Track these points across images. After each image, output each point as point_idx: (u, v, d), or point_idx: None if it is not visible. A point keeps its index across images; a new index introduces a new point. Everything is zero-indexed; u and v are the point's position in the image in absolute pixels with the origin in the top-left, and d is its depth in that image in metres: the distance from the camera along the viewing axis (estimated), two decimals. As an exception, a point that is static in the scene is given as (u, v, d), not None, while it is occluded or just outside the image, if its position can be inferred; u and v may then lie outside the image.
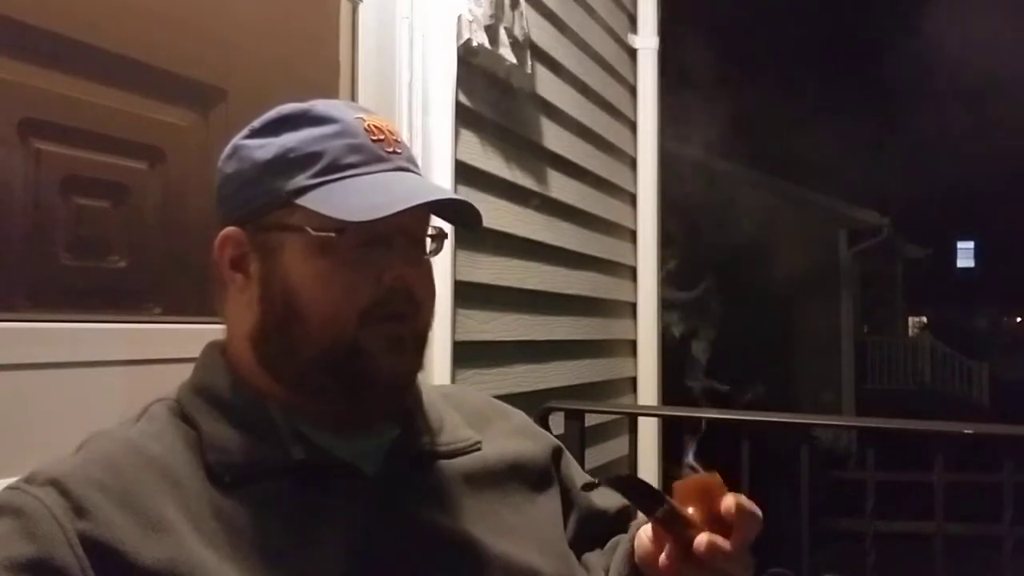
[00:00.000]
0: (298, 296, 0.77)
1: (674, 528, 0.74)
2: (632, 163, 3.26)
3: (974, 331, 20.64)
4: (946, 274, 24.97)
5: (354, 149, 0.79)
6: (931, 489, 2.77)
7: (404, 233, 0.80)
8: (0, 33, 1.14)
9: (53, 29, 1.20)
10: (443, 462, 0.85)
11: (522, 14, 2.19)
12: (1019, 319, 23.96)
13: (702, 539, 0.73)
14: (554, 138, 2.55)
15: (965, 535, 3.67)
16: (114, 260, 1.29)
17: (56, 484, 0.67)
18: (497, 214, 2.20)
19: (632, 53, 3.26)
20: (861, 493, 2.94)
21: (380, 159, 0.80)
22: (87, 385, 1.20)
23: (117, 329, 1.27)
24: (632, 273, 3.24)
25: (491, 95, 2.16)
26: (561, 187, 2.61)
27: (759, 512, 0.76)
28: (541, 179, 2.47)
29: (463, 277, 2.00)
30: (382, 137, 0.81)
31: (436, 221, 0.86)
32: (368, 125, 0.80)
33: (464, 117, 2.01)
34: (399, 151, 0.81)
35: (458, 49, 1.95)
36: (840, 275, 11.38)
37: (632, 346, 3.23)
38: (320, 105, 0.82)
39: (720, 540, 0.73)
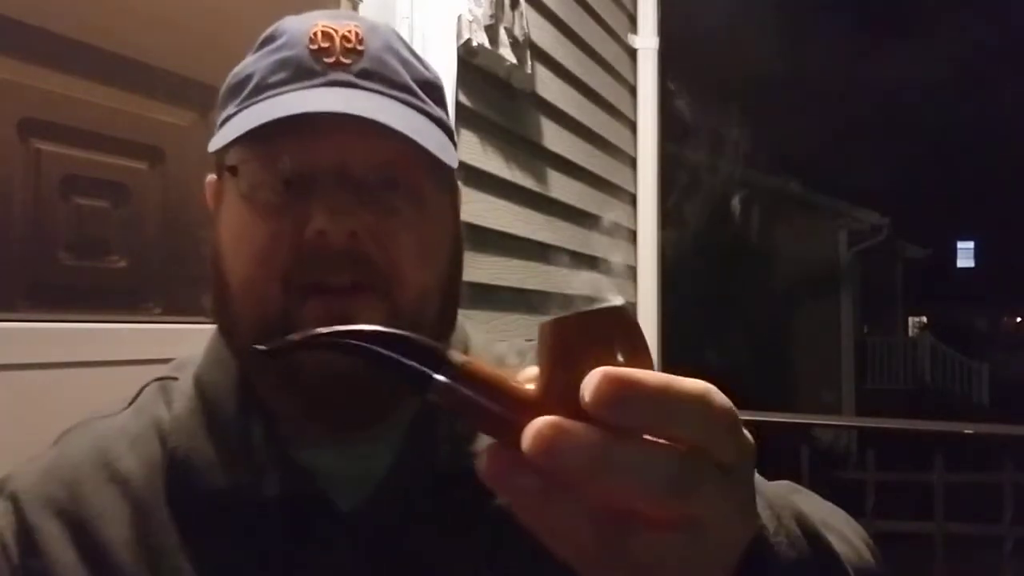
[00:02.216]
0: (223, 259, 0.62)
1: (472, 413, 0.36)
2: (632, 163, 3.26)
3: (974, 331, 20.63)
4: (946, 274, 24.97)
5: (283, 65, 0.62)
6: (931, 489, 2.78)
7: (342, 171, 0.59)
8: (0, 33, 1.14)
9: (53, 29, 1.20)
10: (464, 488, 0.55)
11: (522, 14, 2.19)
12: (1019, 319, 23.97)
13: (531, 427, 0.33)
14: (554, 138, 2.55)
15: (965, 535, 3.67)
16: (114, 260, 1.29)
17: (15, 500, 0.63)
18: (497, 214, 2.20)
19: (632, 53, 3.26)
20: (861, 493, 2.94)
21: (310, 73, 0.62)
22: (87, 385, 1.20)
23: (117, 329, 1.27)
24: (632, 273, 3.25)
25: (491, 95, 2.16)
26: (561, 187, 2.61)
27: (697, 392, 0.34)
28: (541, 179, 2.47)
29: (463, 277, 2.00)
30: (327, 46, 0.62)
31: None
32: (316, 32, 0.62)
33: (464, 117, 2.01)
34: (346, 61, 0.62)
35: (458, 49, 1.95)
36: (840, 275, 11.38)
37: (632, 346, 3.23)
38: (289, 19, 0.66)
39: (571, 427, 0.33)
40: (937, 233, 22.10)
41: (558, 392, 0.35)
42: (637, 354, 0.36)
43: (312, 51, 0.62)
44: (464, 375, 0.36)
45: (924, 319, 19.52)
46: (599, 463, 0.33)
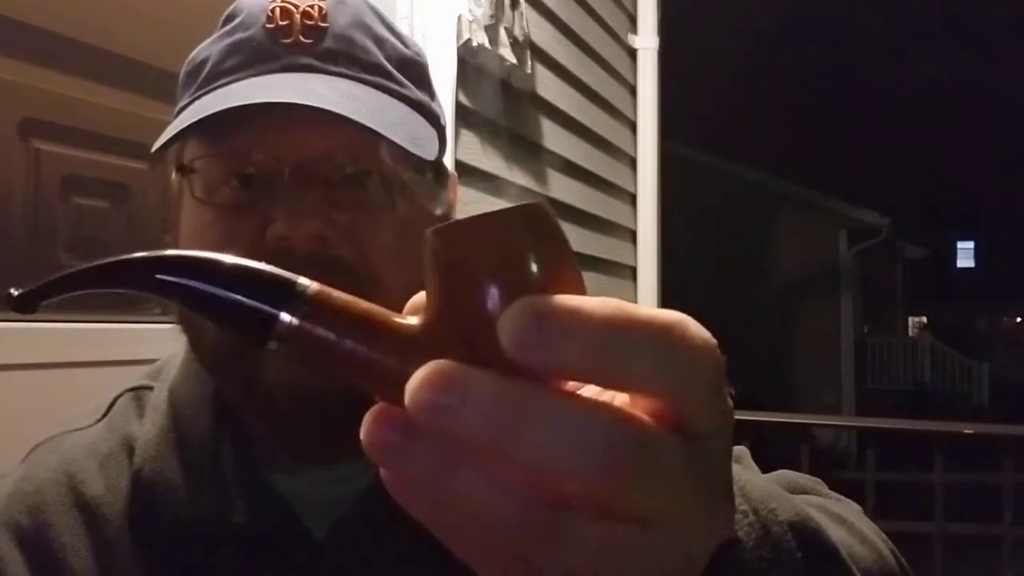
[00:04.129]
0: None
1: (336, 361, 0.26)
2: (632, 163, 3.26)
3: (974, 331, 20.64)
4: (946, 274, 24.98)
5: (236, 48, 0.57)
6: (931, 489, 2.78)
7: (305, 166, 0.54)
8: (0, 33, 1.14)
9: (53, 29, 1.20)
10: None
11: (522, 14, 2.19)
12: (1019, 319, 23.98)
13: (414, 377, 0.24)
14: (554, 138, 2.55)
15: (965, 535, 3.67)
16: (114, 260, 1.29)
17: None
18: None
19: (632, 53, 3.26)
20: (861, 493, 2.94)
21: (266, 57, 0.56)
22: (87, 385, 1.20)
23: (117, 329, 1.27)
24: (632, 273, 3.24)
25: (491, 95, 2.15)
26: (561, 187, 2.61)
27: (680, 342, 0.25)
28: (541, 179, 2.47)
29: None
30: (285, 24, 0.56)
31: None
32: (274, 9, 0.57)
33: (464, 117, 2.01)
34: (307, 40, 0.56)
35: (458, 49, 1.95)
36: (840, 275, 11.38)
37: (632, 346, 3.23)
38: None
39: (467, 375, 0.24)
40: (937, 233, 22.12)
41: (450, 327, 0.25)
42: (560, 271, 0.26)
43: (269, 30, 0.56)
44: (321, 309, 0.26)
45: (924, 319, 19.53)
46: (508, 426, 0.23)
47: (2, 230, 1.15)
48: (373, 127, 0.52)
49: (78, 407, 0.69)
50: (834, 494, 0.61)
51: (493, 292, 0.25)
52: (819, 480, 0.64)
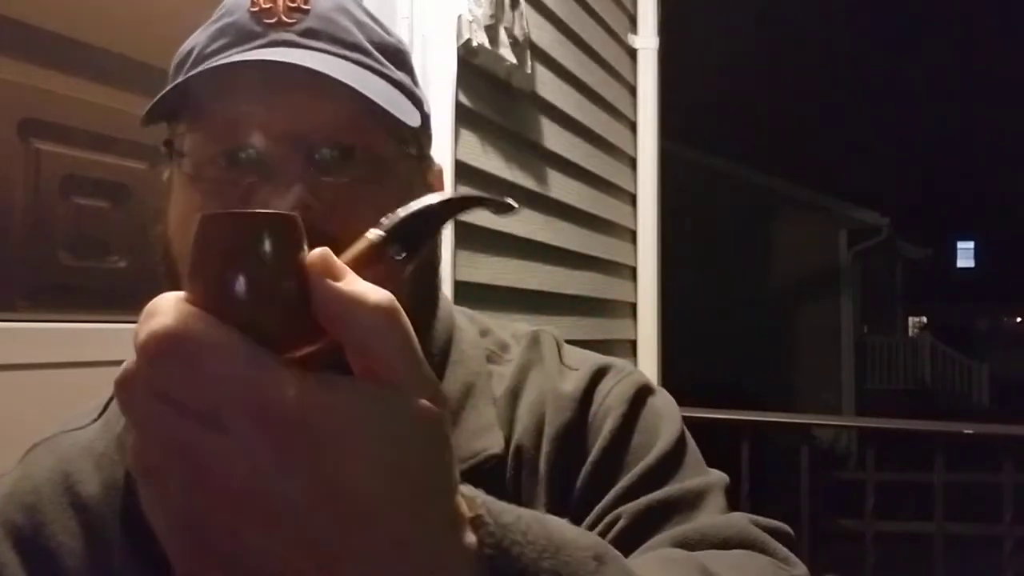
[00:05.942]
0: (172, 246, 0.59)
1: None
2: (632, 163, 3.26)
3: (974, 331, 20.63)
4: (946, 274, 24.97)
5: (222, 32, 0.60)
6: (931, 489, 2.78)
7: (290, 137, 0.55)
8: (0, 33, 1.14)
9: (53, 29, 1.20)
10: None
11: (522, 14, 2.19)
12: (1019, 319, 23.97)
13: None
14: (554, 138, 2.55)
15: (965, 535, 3.67)
16: (114, 260, 1.29)
17: None
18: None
19: (632, 53, 3.26)
20: (861, 493, 2.94)
21: (251, 36, 0.58)
22: (87, 385, 1.20)
23: (117, 329, 1.27)
24: (632, 273, 3.24)
25: (491, 95, 2.16)
26: (561, 187, 2.61)
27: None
28: (541, 179, 2.47)
29: (463, 277, 2.00)
30: (268, 6, 0.59)
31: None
32: None
33: (464, 117, 2.01)
34: (289, 20, 0.59)
35: (458, 49, 1.95)
36: (840, 275, 11.38)
37: (632, 346, 3.23)
38: None
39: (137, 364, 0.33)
40: (937, 233, 22.12)
41: (192, 296, 0.34)
42: (282, 276, 0.31)
43: (253, 13, 0.59)
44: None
45: (924, 319, 19.50)
46: (128, 403, 0.32)
47: (2, 230, 1.15)
48: (355, 87, 0.54)
49: (77, 407, 0.69)
50: (784, 551, 0.57)
51: (222, 277, 0.31)
52: (778, 528, 0.60)
